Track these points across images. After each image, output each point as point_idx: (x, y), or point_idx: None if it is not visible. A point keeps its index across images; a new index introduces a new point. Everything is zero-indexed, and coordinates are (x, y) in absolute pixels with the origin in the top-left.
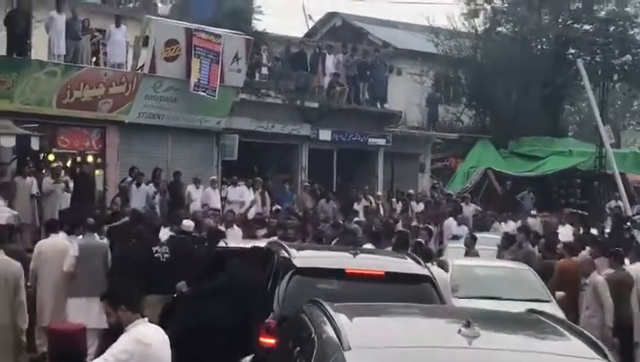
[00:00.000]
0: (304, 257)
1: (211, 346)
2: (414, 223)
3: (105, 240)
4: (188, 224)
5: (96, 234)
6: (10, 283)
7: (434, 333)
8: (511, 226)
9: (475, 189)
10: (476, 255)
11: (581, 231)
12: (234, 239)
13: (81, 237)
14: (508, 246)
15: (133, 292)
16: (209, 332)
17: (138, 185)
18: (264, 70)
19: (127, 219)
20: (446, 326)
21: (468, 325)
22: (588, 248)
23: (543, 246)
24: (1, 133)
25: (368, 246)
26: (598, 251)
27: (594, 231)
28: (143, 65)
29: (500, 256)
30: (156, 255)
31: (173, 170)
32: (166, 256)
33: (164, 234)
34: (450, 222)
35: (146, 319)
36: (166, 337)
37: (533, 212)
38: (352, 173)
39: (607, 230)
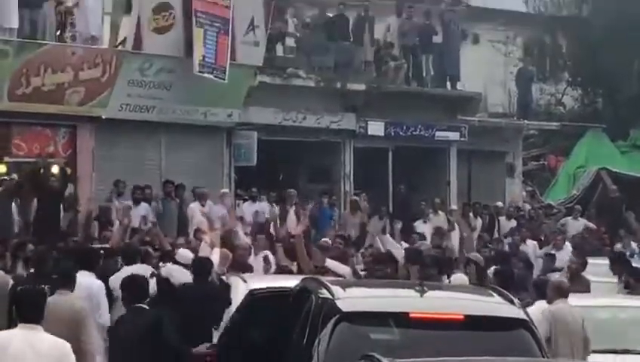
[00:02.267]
0: (352, 297)
1: None
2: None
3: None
4: (184, 254)
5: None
6: None
7: None
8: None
9: (584, 198)
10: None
11: None
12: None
13: None
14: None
15: None
16: None
17: (136, 202)
18: (290, 42)
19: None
20: None
21: None
22: None
23: None
24: None
25: (459, 276)
26: None
27: None
28: (124, 40)
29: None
30: None
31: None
32: None
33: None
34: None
35: None
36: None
37: None
38: (414, 180)
39: None
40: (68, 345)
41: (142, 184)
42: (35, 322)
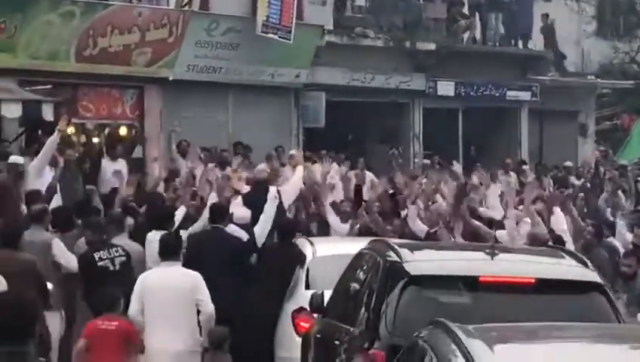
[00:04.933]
0: (421, 260)
1: None
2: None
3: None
4: (242, 215)
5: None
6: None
7: None
8: None
9: None
10: None
11: None
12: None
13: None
14: None
15: None
16: None
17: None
18: (359, 1)
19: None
20: (635, 357)
21: None
22: None
23: None
24: (3, 99)
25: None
26: None
27: None
28: (191, 0)
29: None
30: (101, 263)
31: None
32: (120, 260)
33: None
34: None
35: None
36: None
37: None
38: (484, 140)
39: None
40: (199, 276)
41: (209, 145)
42: (174, 259)
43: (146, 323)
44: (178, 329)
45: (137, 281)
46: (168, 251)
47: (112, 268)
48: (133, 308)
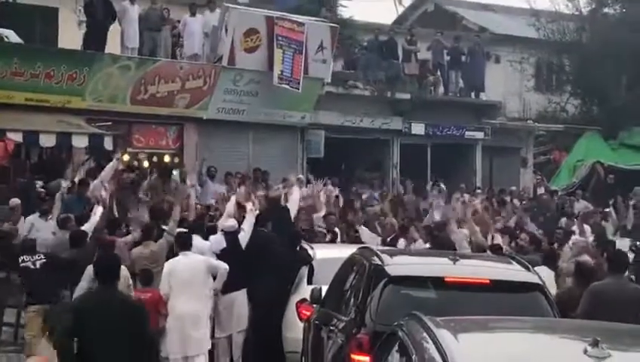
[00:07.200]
0: (398, 264)
1: None
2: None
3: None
4: (229, 224)
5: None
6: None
7: (554, 354)
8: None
9: (582, 185)
10: None
11: None
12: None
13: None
14: None
15: None
16: None
17: (228, 185)
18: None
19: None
20: (568, 344)
21: (595, 344)
22: None
23: None
24: (74, 133)
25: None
26: None
27: None
28: (221, 57)
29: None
30: (23, 264)
31: (255, 168)
32: (40, 262)
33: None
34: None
35: None
36: None
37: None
38: (447, 169)
39: None
40: (208, 259)
41: (234, 171)
42: (189, 250)
43: (174, 295)
44: (196, 297)
45: (165, 266)
46: (186, 245)
47: (32, 267)
48: (164, 285)
